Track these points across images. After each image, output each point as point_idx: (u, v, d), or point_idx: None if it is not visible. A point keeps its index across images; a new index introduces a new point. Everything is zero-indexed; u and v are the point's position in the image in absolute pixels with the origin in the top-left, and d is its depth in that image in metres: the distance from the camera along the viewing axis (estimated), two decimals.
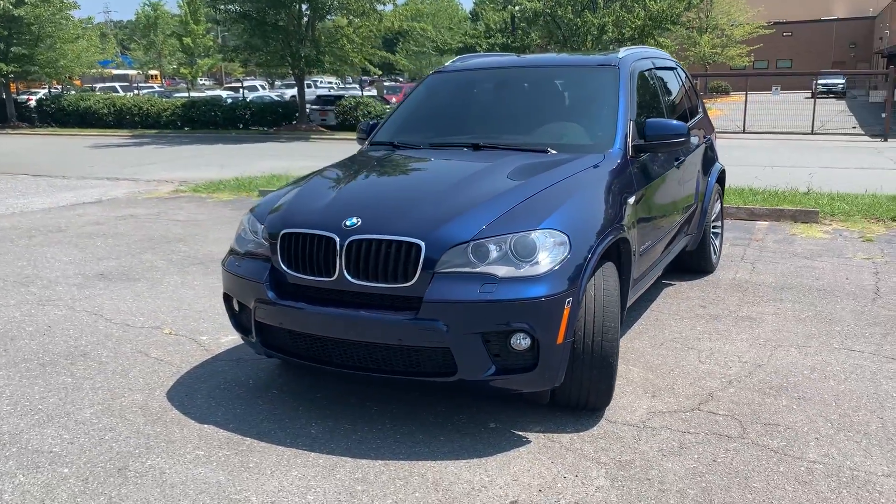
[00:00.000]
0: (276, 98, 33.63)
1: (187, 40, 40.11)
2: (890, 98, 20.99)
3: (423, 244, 3.21)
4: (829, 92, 40.19)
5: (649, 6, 21.89)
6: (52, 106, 30.19)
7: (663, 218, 4.67)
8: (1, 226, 8.75)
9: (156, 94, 35.90)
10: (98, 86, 42.68)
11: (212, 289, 5.92)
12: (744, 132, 21.73)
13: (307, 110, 26.81)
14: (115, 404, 3.83)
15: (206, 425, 3.59)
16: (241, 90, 35.01)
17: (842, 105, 33.75)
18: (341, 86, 54.40)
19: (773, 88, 25.90)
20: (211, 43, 40.95)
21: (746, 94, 22.76)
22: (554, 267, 3.21)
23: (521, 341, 3.19)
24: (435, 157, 4.33)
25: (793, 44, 63.32)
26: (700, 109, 6.25)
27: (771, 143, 19.03)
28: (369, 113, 25.16)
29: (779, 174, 11.72)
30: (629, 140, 4.18)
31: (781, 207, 8.45)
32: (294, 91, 40.92)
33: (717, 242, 6.31)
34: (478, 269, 3.18)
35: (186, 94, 34.32)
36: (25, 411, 3.75)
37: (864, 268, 6.21)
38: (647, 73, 4.97)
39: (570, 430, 3.47)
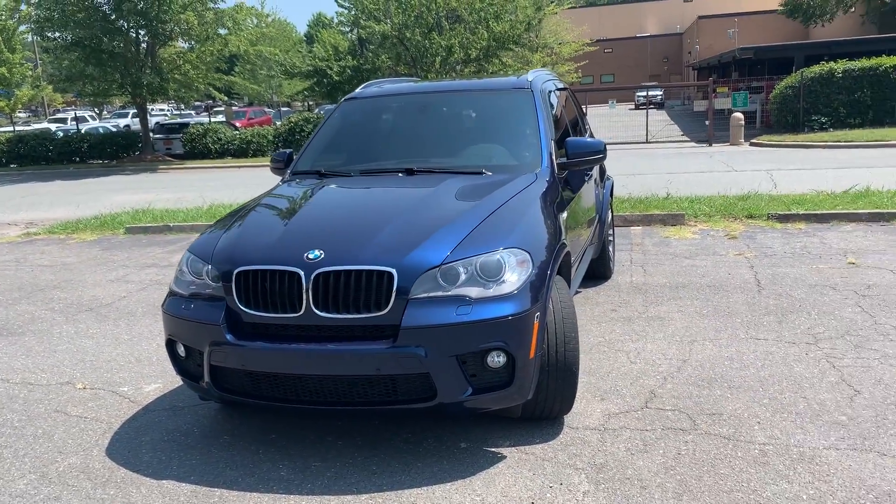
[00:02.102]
0: (112, 128, 31.72)
1: (2, 70, 36.95)
2: (711, 107, 23.10)
3: (395, 272, 3.22)
4: (650, 103, 43.55)
5: (492, 27, 22.76)
6: None
7: (581, 230, 4.92)
8: None
9: None
10: None
11: (113, 336, 5.54)
12: None
13: (150, 139, 25.54)
14: (50, 471, 3.51)
15: (164, 481, 3.37)
16: (71, 121, 32.65)
17: (663, 115, 36.64)
18: (174, 113, 52.21)
19: (611, 102, 27.75)
20: (29, 73, 37.94)
21: (587, 109, 24.17)
22: (520, 284, 3.32)
23: (497, 359, 3.26)
24: (372, 183, 4.33)
25: (613, 59, 67.89)
26: (587, 125, 6.63)
27: (615, 153, 20.22)
28: (219, 139, 24.40)
29: (634, 182, 12.59)
30: (554, 158, 4.39)
31: (651, 213, 9.10)
32: (126, 120, 38.77)
33: (612, 249, 6.70)
34: (451, 293, 3.23)
35: (11, 129, 31.57)
36: None
37: (739, 263, 6.83)
38: (552, 93, 5.23)
39: (538, 441, 3.58)
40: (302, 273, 3.27)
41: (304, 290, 3.25)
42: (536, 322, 3.32)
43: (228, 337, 3.34)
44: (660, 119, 31.95)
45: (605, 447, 3.49)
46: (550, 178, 4.25)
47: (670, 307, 5.59)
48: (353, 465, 3.44)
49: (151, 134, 26.67)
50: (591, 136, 6.63)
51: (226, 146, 24.28)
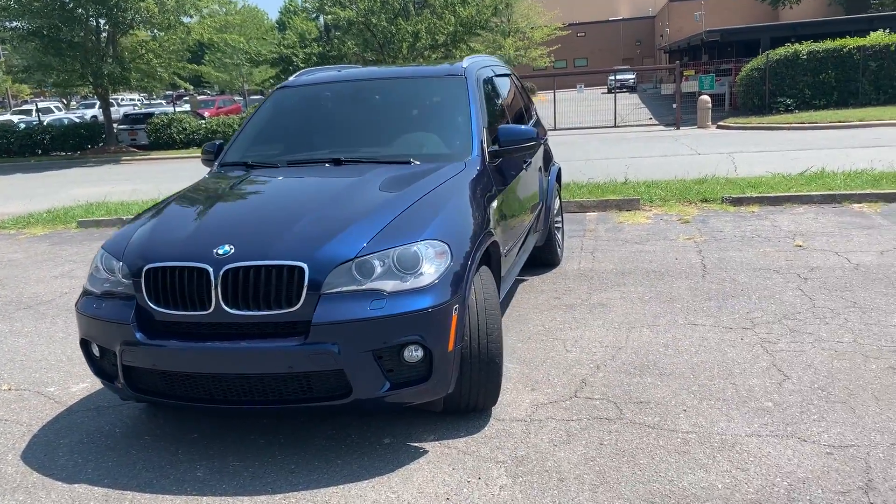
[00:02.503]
0: (77, 119, 31.19)
1: None
2: (678, 90, 23.15)
3: (306, 266, 3.14)
4: (623, 87, 43.65)
5: (459, 12, 22.63)
6: None
7: (519, 218, 4.88)
8: None
9: None
10: None
11: (47, 335, 5.42)
12: (555, 129, 23.04)
13: (114, 130, 25.13)
14: None
15: (76, 485, 3.29)
16: (35, 113, 32.06)
17: (634, 98, 36.72)
18: (145, 102, 51.49)
19: (578, 86, 27.70)
20: None
21: (555, 94, 24.14)
22: (439, 276, 3.26)
23: (414, 353, 3.21)
24: (298, 174, 4.24)
25: (587, 43, 68.02)
26: (534, 112, 6.58)
27: (581, 137, 20.34)
28: (184, 129, 24.07)
29: (595, 167, 12.57)
30: (485, 146, 4.33)
31: (607, 198, 9.08)
32: (95, 111, 38.11)
33: (560, 236, 6.67)
34: (365, 286, 3.17)
35: None
36: None
37: (688, 248, 6.83)
38: (489, 80, 5.16)
39: (463, 434, 3.54)
40: (210, 269, 3.18)
41: (212, 287, 3.17)
42: (455, 315, 3.26)
43: (139, 336, 3.26)
44: (631, 103, 32.00)
45: (529, 439, 3.46)
46: (480, 167, 4.19)
47: (613, 294, 5.57)
48: (272, 463, 3.37)
49: (116, 125, 26.25)
50: (538, 123, 6.59)
51: (191, 136, 23.97)
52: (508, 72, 6.01)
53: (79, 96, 54.41)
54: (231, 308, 3.17)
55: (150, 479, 3.29)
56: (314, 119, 4.86)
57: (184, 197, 4.07)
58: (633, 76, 46.52)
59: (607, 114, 23.89)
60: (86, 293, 3.60)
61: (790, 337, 4.49)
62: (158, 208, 3.93)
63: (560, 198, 6.78)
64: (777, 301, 5.15)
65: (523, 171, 5.04)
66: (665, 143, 17.37)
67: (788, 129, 18.50)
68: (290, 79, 5.22)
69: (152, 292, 3.29)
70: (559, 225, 6.67)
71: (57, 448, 3.65)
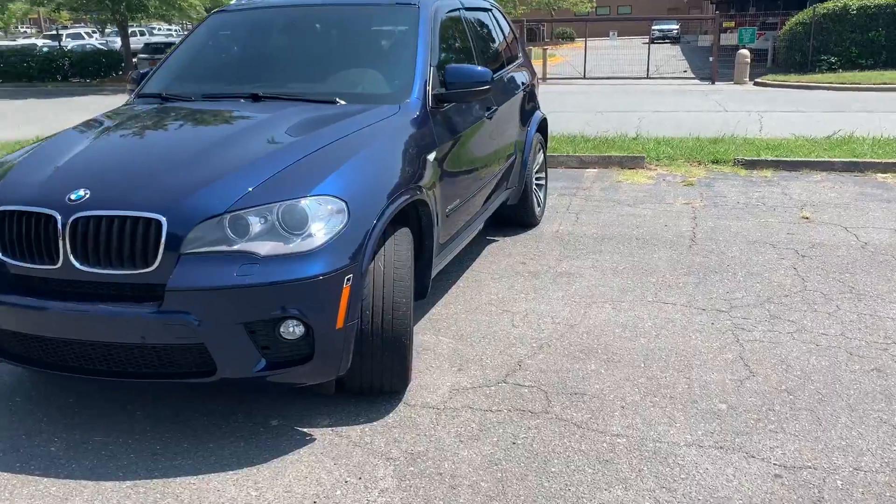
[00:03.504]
0: (100, 47, 30.79)
1: None
2: (716, 42, 21.94)
3: (163, 219, 2.66)
4: (665, 37, 41.89)
5: None
6: None
7: (474, 173, 4.33)
8: None
9: None
10: None
11: None
12: (584, 78, 22.09)
13: (134, 60, 24.70)
14: None
15: None
16: (59, 38, 31.69)
17: (676, 50, 35.19)
18: (181, 33, 50.82)
19: (611, 34, 26.50)
20: None
21: (586, 41, 23.10)
22: (329, 239, 2.76)
23: (292, 329, 2.74)
24: (203, 111, 3.72)
25: None
26: (520, 55, 5.94)
27: (609, 88, 19.41)
28: None
29: (610, 120, 11.83)
30: (429, 89, 3.76)
31: (610, 154, 8.42)
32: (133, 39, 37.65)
33: (542, 195, 6.09)
34: (235, 248, 2.68)
35: None
36: None
37: (683, 213, 6.22)
38: (454, 14, 4.56)
39: (362, 421, 3.08)
40: (59, 217, 2.72)
41: (60, 238, 2.71)
42: (347, 286, 2.77)
43: None
44: (670, 55, 30.64)
45: (434, 431, 2.99)
46: (419, 112, 3.64)
47: (585, 262, 5.02)
48: (139, 441, 2.96)
49: (139, 55, 25.79)
50: (525, 68, 5.97)
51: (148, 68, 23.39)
52: (487, 6, 5.37)
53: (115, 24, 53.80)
54: (81, 264, 2.71)
55: (1, 449, 2.90)
56: (246, 48, 4.32)
57: (74, 129, 3.59)
58: (677, 27, 44.59)
59: (641, 65, 22.78)
60: None
61: (768, 325, 3.93)
62: (39, 144, 3.46)
63: (545, 152, 6.18)
64: (764, 281, 4.56)
65: (484, 119, 4.46)
66: (694, 97, 16.44)
67: (828, 88, 17.41)
68: (231, 2, 4.66)
69: (2, 239, 2.84)
70: (541, 182, 6.08)
71: None
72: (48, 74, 24.67)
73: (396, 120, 3.52)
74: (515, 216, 5.68)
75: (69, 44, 29.80)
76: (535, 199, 5.79)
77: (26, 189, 2.89)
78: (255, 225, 2.71)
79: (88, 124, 3.66)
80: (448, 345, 3.78)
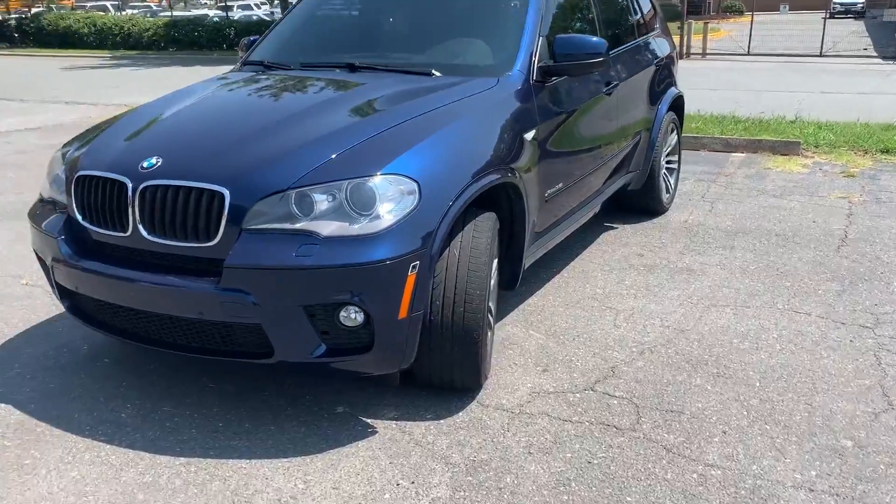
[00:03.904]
0: (265, 17, 32.25)
1: None
2: None
3: (226, 192, 2.54)
4: (847, 12, 38.29)
5: None
6: (32, 26, 29.08)
7: (585, 154, 3.97)
8: None
9: (148, 14, 34.54)
10: (88, 4, 41.13)
11: None
12: (748, 54, 20.51)
13: None
14: None
15: (1, 405, 3.01)
16: (228, 9, 33.49)
17: (858, 26, 32.02)
18: None
19: (782, 7, 24.43)
20: None
21: (752, 14, 21.42)
22: (396, 222, 2.54)
23: (353, 316, 2.56)
24: (294, 81, 3.58)
25: None
26: (657, 26, 5.43)
27: (774, 65, 17.88)
28: None
29: (770, 100, 10.82)
30: (535, 61, 3.44)
31: (760, 138, 7.65)
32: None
33: (673, 179, 5.58)
34: (297, 226, 2.52)
35: (169, 14, 33.06)
36: None
37: (837, 209, 5.50)
38: None
39: (429, 418, 2.87)
40: (129, 184, 2.67)
41: (129, 206, 2.67)
42: (413, 274, 2.55)
43: (64, 252, 2.85)
44: (851, 30, 27.87)
45: (503, 438, 2.72)
46: (521, 86, 3.34)
47: (712, 258, 4.52)
48: (202, 416, 2.91)
49: None
50: (667, 41, 5.46)
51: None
52: None
53: None
54: (149, 233, 2.65)
55: (72, 413, 2.94)
56: (350, 17, 4.17)
57: (166, 98, 3.58)
58: (862, 0, 40.57)
59: (814, 41, 20.83)
60: (39, 200, 3.25)
61: None
62: (134, 110, 3.47)
63: (679, 132, 5.64)
64: None
65: (602, 95, 4.07)
66: (872, 78, 14.79)
67: None
68: None
69: (81, 204, 2.85)
70: (672, 166, 5.57)
71: (17, 358, 3.40)
72: (215, 43, 26.09)
73: (493, 94, 3.23)
74: (639, 202, 5.23)
75: (237, 14, 31.36)
76: (662, 185, 5.30)
77: (106, 155, 2.88)
78: (322, 203, 2.54)
79: (184, 92, 3.64)
80: (537, 341, 3.48)
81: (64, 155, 3.13)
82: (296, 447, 2.70)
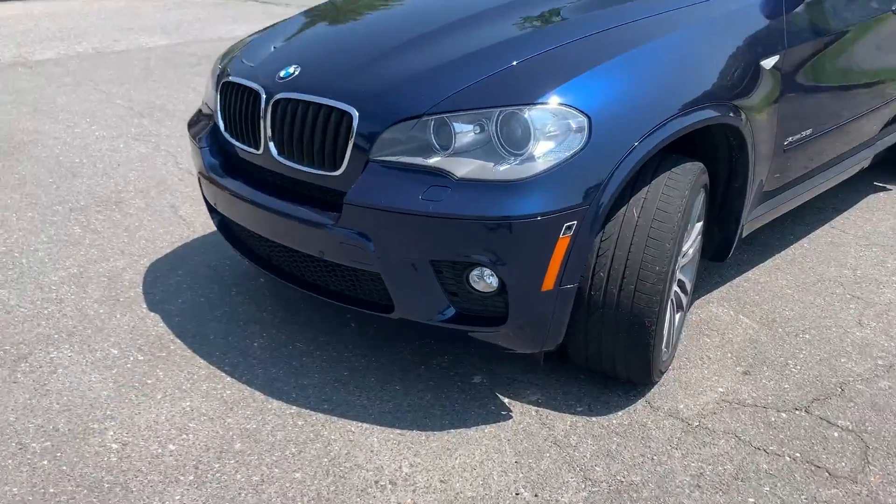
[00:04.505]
0: None
1: None
2: None
3: (355, 113, 2.12)
4: None
5: None
6: None
7: (852, 93, 3.03)
8: (179, 51, 8.71)
9: None
10: None
11: None
12: None
13: None
14: (88, 271, 3.31)
15: (151, 314, 2.95)
16: None
17: None
18: None
19: None
20: None
21: None
22: (551, 168, 1.97)
23: (487, 279, 2.07)
24: None
25: None
26: None
27: None
28: None
29: None
30: None
31: None
32: None
33: None
34: (430, 162, 2.04)
35: None
36: (5, 265, 3.37)
37: None
38: None
39: (579, 411, 2.33)
40: (263, 94, 2.35)
41: (260, 119, 2.35)
42: (566, 237, 1.98)
43: (206, 164, 2.64)
44: None
45: (667, 459, 2.12)
46: None
47: None
48: (331, 360, 2.62)
49: None
50: None
51: None
52: None
53: None
54: (279, 154, 2.33)
55: (207, 335, 2.79)
56: None
57: (318, 7, 3.19)
58: None
59: None
60: (199, 109, 3.07)
61: None
62: (286, 19, 3.12)
63: None
64: None
65: (890, 14, 3.04)
66: None
67: None
68: None
69: (225, 115, 2.60)
70: None
71: (180, 267, 3.34)
72: None
73: (722, 3, 2.45)
74: None
75: None
76: None
77: (251, 61, 2.59)
78: (465, 134, 2.03)
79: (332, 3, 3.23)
80: (747, 329, 2.74)
81: (219, 61, 2.91)
82: (415, 417, 2.32)
